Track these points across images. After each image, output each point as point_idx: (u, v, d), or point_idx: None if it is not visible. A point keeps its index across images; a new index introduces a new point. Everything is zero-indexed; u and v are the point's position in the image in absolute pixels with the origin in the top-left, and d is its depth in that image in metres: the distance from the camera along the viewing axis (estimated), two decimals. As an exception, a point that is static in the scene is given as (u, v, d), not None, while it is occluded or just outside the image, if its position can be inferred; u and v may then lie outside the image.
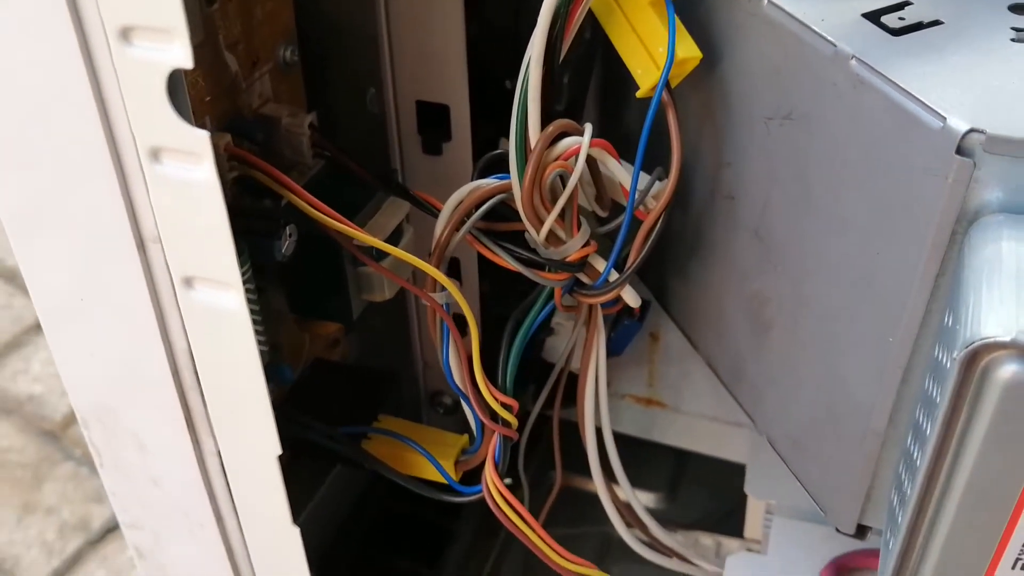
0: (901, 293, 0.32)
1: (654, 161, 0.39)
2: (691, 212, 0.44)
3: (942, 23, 0.34)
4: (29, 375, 0.97)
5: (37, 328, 0.99)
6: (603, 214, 0.42)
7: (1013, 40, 0.33)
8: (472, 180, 0.40)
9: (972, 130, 0.29)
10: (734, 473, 0.61)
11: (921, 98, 0.30)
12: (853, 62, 0.32)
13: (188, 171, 0.30)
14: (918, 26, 0.34)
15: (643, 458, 0.65)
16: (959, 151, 0.29)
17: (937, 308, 0.31)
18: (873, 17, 0.34)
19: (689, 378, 0.63)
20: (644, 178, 0.39)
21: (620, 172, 0.39)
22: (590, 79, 0.47)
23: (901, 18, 0.34)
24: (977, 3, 0.35)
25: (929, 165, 0.30)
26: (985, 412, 0.26)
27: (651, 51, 0.37)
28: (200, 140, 0.29)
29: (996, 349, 0.25)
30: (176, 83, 0.28)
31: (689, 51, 0.37)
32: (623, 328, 0.50)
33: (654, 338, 0.61)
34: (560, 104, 0.43)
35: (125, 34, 0.28)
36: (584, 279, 0.41)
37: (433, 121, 0.46)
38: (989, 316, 0.26)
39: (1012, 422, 0.26)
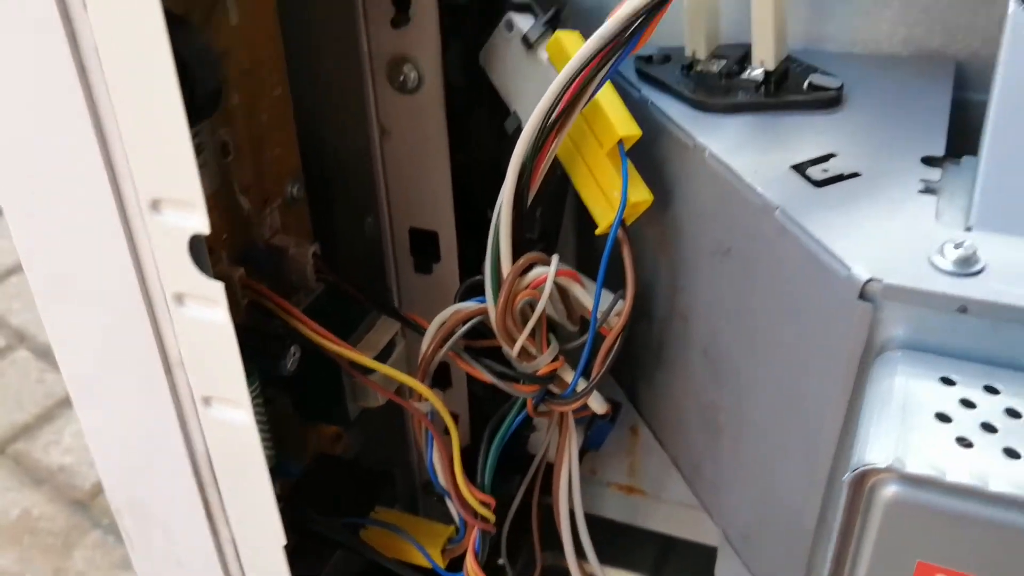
0: (821, 414, 0.37)
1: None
2: (654, 328, 0.49)
3: (860, 175, 0.39)
4: (61, 446, 1.01)
5: (67, 402, 1.04)
6: (573, 329, 0.47)
7: (921, 192, 0.38)
8: (455, 302, 0.45)
9: (872, 279, 0.34)
10: (713, 557, 0.65)
11: (831, 248, 0.35)
12: (778, 212, 0.38)
13: (207, 313, 0.35)
14: (839, 178, 0.39)
15: (628, 542, 0.69)
16: (861, 296, 0.34)
17: (850, 430, 0.36)
18: (800, 169, 0.40)
19: (667, 468, 0.68)
20: (609, 299, 0.45)
21: (584, 297, 0.44)
22: (563, 210, 0.53)
23: (825, 170, 0.40)
24: (895, 155, 0.40)
25: (839, 307, 0.35)
26: (872, 527, 0.30)
27: (608, 195, 0.43)
28: (216, 289, 0.34)
29: (878, 473, 0.30)
30: (197, 243, 0.34)
31: (641, 195, 0.42)
32: (597, 427, 0.55)
33: (634, 432, 0.65)
34: (533, 233, 0.49)
35: (155, 205, 0.33)
36: (554, 389, 0.46)
37: (424, 245, 0.51)
38: (875, 443, 0.30)
39: (894, 536, 0.30)
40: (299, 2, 0.45)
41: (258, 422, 0.39)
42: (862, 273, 0.34)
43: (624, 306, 0.44)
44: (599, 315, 0.44)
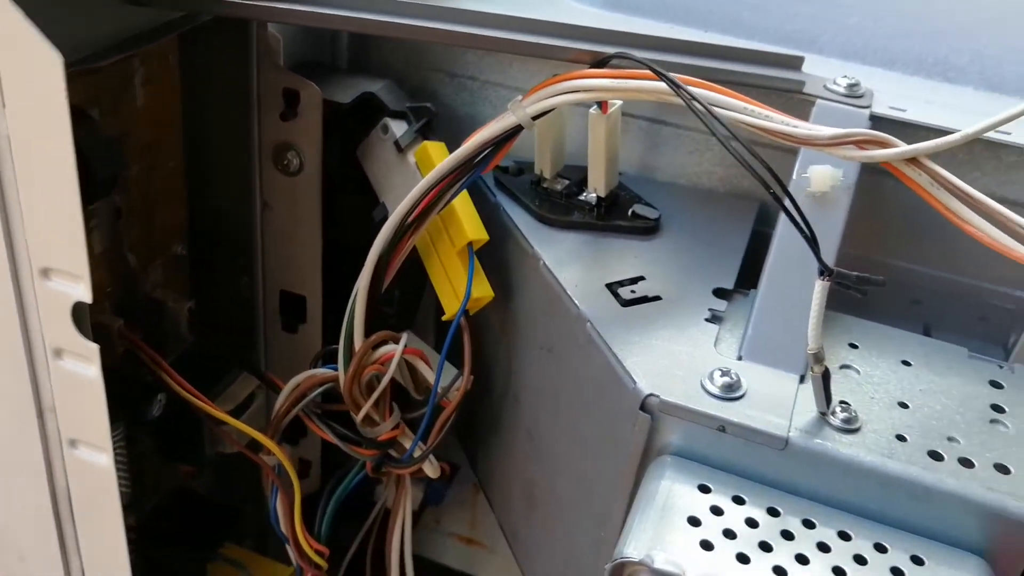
0: (610, 502, 0.43)
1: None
2: (492, 404, 0.56)
3: (661, 299, 0.46)
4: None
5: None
6: (419, 398, 0.52)
7: (707, 319, 0.45)
8: (311, 367, 0.51)
9: (651, 394, 0.40)
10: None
11: (624, 363, 0.42)
12: (588, 325, 0.44)
13: (81, 368, 0.40)
14: (643, 299, 0.46)
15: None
16: (642, 408, 0.41)
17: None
18: (613, 287, 0.46)
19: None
20: (451, 376, 0.51)
21: (428, 373, 0.50)
22: (423, 290, 0.59)
23: (633, 291, 0.46)
24: (693, 283, 0.47)
25: (626, 413, 0.41)
26: None
27: (455, 287, 0.49)
28: (91, 350, 0.39)
29: (633, 565, 0.36)
30: (79, 310, 0.38)
31: (483, 291, 0.49)
32: (435, 486, 0.61)
33: (476, 489, 0.71)
34: (391, 308, 0.55)
35: (45, 272, 0.38)
36: (394, 453, 0.51)
37: (293, 307, 0.56)
38: (634, 538, 0.37)
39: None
40: (201, 88, 0.50)
41: (117, 463, 0.43)
42: (645, 388, 0.41)
43: (459, 384, 0.50)
44: (440, 390, 0.50)
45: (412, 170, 0.50)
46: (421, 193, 0.46)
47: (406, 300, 0.56)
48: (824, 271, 0.38)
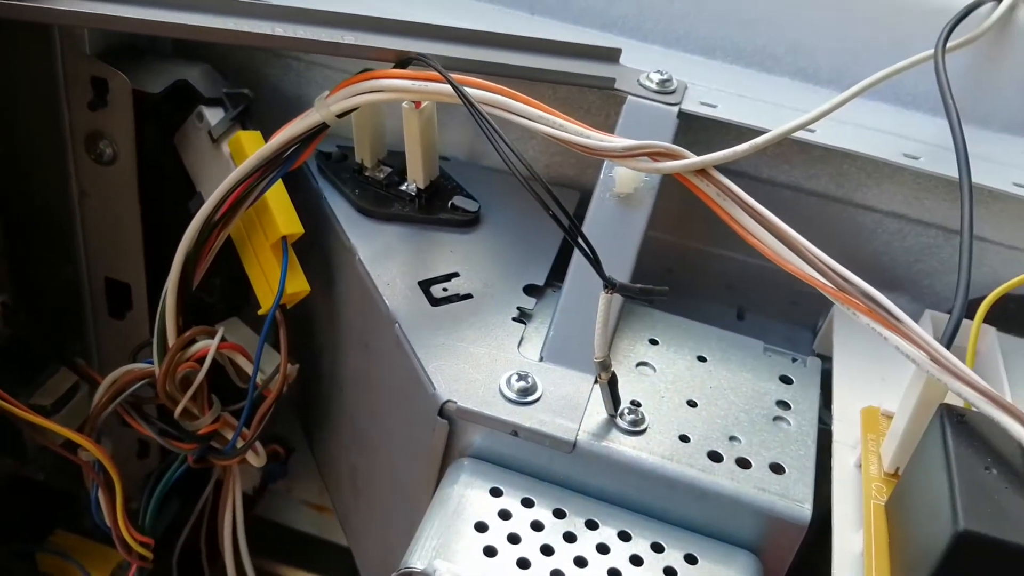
0: (418, 501, 0.44)
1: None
2: (322, 390, 0.56)
3: (472, 297, 0.47)
4: None
5: None
6: (244, 386, 0.53)
7: (514, 319, 0.46)
8: (130, 362, 0.50)
9: (448, 400, 0.41)
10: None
11: (426, 368, 0.42)
12: (396, 326, 0.45)
13: None
14: (454, 298, 0.46)
15: (319, 552, 0.76)
16: (441, 414, 0.41)
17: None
18: (424, 286, 0.47)
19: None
20: (277, 364, 0.50)
21: (247, 366, 0.50)
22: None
23: (445, 289, 0.47)
24: (506, 280, 0.48)
25: (427, 417, 0.42)
26: None
27: (270, 282, 0.48)
28: None
29: (418, 574, 0.37)
30: None
31: (299, 286, 0.48)
32: (270, 468, 0.61)
33: (325, 458, 0.73)
34: (213, 298, 0.54)
35: None
36: (217, 445, 0.52)
37: (118, 293, 0.55)
38: (420, 546, 0.38)
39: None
40: (6, 78, 0.49)
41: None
42: (443, 394, 0.41)
43: (278, 377, 0.50)
44: (261, 381, 0.50)
45: (226, 160, 0.49)
46: (227, 190, 0.45)
47: (231, 285, 0.55)
48: (607, 285, 0.39)
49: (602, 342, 0.40)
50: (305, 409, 0.60)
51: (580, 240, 0.38)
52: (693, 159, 0.40)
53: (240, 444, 0.51)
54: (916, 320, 0.36)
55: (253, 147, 0.48)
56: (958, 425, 0.34)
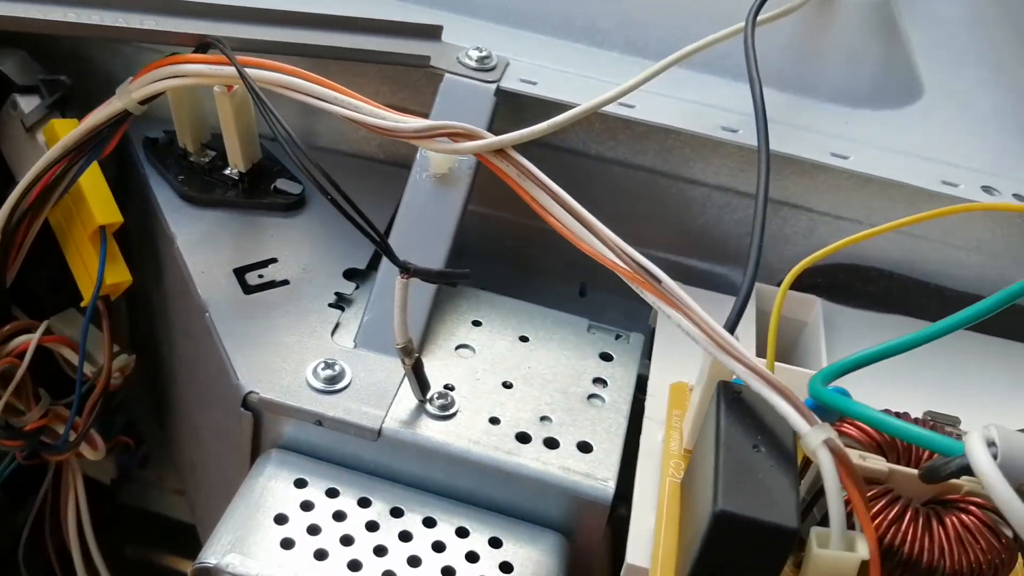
0: (233, 489, 0.43)
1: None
2: (161, 380, 0.55)
3: (289, 283, 0.46)
4: None
5: None
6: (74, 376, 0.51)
7: (331, 304, 0.45)
8: (-53, 359, 0.49)
9: (251, 392, 0.40)
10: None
11: (232, 359, 0.42)
12: (207, 315, 0.44)
13: None
14: (270, 285, 0.46)
15: (194, 537, 0.75)
16: (244, 405, 0.41)
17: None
18: (240, 272, 0.46)
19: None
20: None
21: (74, 359, 0.49)
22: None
23: (260, 275, 0.46)
24: (328, 264, 0.47)
25: (234, 409, 0.41)
26: None
27: (91, 273, 0.47)
28: None
29: (213, 571, 0.37)
30: None
31: (120, 276, 0.47)
32: (123, 460, 0.60)
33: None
34: (42, 290, 0.53)
35: None
36: (48, 440, 0.50)
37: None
38: (217, 541, 0.37)
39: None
40: None
41: None
42: (246, 385, 0.41)
43: (104, 366, 0.49)
44: (90, 373, 0.49)
45: (41, 149, 0.48)
46: (33, 178, 0.44)
47: (65, 277, 0.54)
48: (402, 269, 0.38)
49: (401, 328, 0.39)
50: (156, 400, 0.60)
51: (364, 223, 0.38)
52: (490, 139, 0.40)
53: (73, 438, 0.50)
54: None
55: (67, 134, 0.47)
56: (733, 403, 0.34)
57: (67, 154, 0.44)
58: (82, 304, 0.48)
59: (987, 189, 0.49)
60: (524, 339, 0.45)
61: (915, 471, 0.34)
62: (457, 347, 0.44)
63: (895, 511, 0.34)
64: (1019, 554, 0.35)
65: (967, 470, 0.30)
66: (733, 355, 0.34)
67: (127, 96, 0.43)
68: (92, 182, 0.47)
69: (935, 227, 0.50)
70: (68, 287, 0.55)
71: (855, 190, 0.49)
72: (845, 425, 0.36)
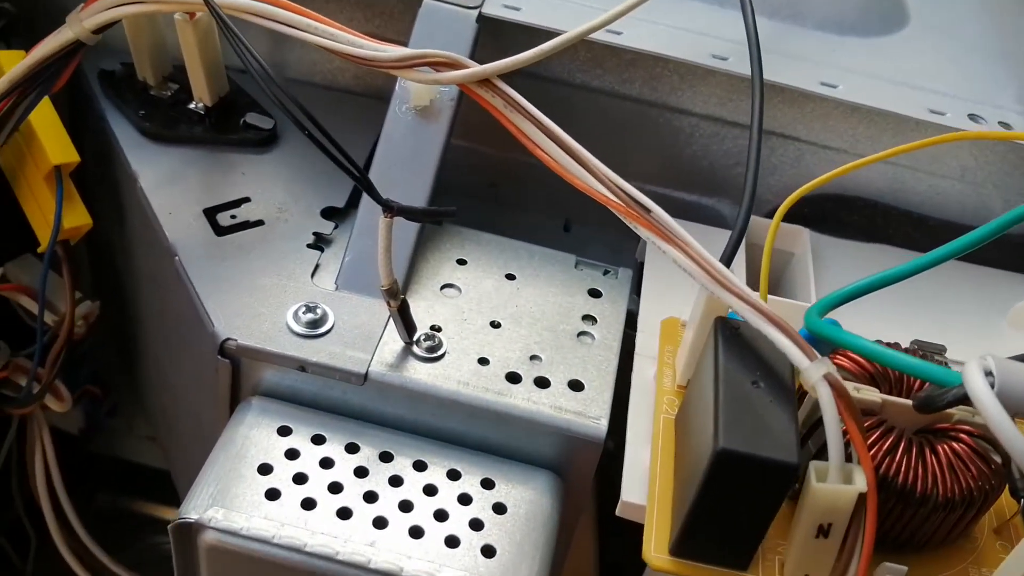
0: (212, 443, 0.41)
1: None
2: (127, 326, 0.53)
3: (264, 223, 0.44)
4: None
5: None
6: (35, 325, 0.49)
7: (309, 245, 0.43)
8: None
9: (228, 339, 0.39)
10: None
11: (206, 304, 0.40)
12: (176, 259, 0.42)
13: None
14: (244, 225, 0.44)
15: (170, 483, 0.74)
16: (222, 353, 0.39)
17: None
18: (211, 213, 0.44)
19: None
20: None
21: (32, 307, 0.47)
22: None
23: (233, 216, 0.44)
24: (306, 203, 0.45)
25: (209, 358, 0.39)
26: (203, 566, 0.36)
27: (47, 217, 0.45)
28: None
29: (194, 526, 0.35)
30: None
31: (79, 219, 0.45)
32: (90, 412, 0.58)
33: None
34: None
35: None
36: (10, 393, 0.48)
37: None
38: (199, 495, 0.35)
39: (220, 573, 0.36)
40: None
41: None
42: (222, 332, 0.39)
43: (67, 313, 0.47)
44: (53, 322, 0.47)
45: (-13, 86, 0.45)
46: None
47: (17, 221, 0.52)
48: (385, 208, 0.36)
49: (385, 270, 0.37)
50: (123, 347, 0.57)
51: (344, 159, 0.36)
52: (475, 68, 0.38)
53: (36, 390, 0.48)
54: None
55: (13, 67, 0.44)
56: (732, 339, 0.33)
57: (14, 89, 0.41)
58: (39, 250, 0.45)
59: (973, 117, 0.48)
60: (511, 277, 0.44)
61: (908, 401, 0.34)
62: (442, 287, 0.43)
63: (889, 441, 0.34)
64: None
65: (964, 400, 0.29)
66: (732, 290, 0.33)
67: (79, 24, 0.40)
68: (44, 119, 0.44)
69: (922, 156, 0.49)
70: (23, 231, 0.53)
71: (842, 119, 0.48)
72: (838, 357, 0.36)
